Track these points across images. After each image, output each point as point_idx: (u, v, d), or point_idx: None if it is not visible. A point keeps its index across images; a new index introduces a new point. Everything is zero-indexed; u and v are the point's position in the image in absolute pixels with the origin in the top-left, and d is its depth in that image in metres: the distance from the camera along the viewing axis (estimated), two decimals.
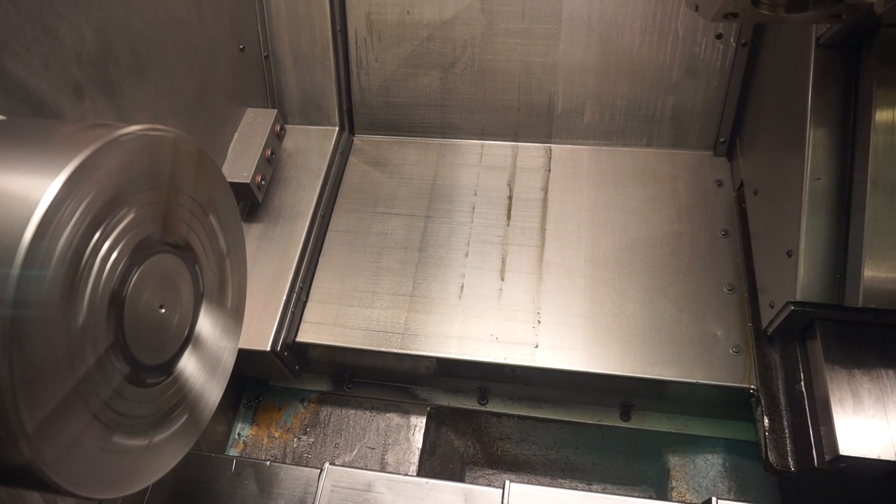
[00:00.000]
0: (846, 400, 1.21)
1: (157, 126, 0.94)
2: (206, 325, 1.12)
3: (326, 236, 1.83)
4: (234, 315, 1.20)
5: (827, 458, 1.21)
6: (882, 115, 1.18)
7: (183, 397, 1.06)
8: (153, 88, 1.40)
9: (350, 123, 2.04)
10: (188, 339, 1.07)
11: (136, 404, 0.94)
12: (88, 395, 0.84)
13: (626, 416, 1.68)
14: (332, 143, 1.95)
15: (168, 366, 1.02)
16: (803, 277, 1.26)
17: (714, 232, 1.70)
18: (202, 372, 1.12)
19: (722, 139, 1.83)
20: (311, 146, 1.95)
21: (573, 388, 1.65)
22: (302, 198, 1.83)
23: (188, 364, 1.07)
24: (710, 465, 1.66)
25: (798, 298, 1.27)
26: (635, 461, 1.76)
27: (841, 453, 1.17)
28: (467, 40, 1.83)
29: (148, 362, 0.96)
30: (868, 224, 1.17)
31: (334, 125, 1.98)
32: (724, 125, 1.81)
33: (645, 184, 1.81)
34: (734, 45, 1.71)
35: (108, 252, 0.85)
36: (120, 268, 0.87)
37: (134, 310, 0.90)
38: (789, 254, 1.31)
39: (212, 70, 1.63)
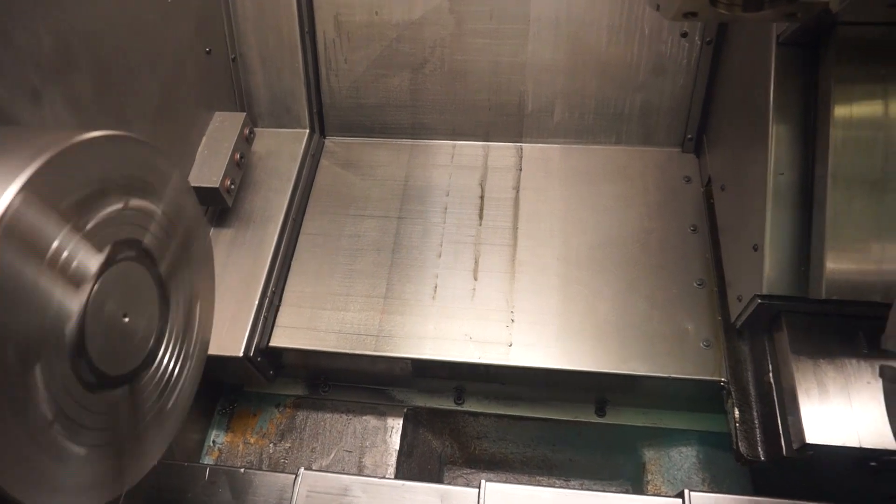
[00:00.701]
0: (812, 389, 1.24)
1: (117, 132, 0.94)
2: (171, 338, 1.10)
3: (299, 239, 1.81)
4: (200, 332, 1.19)
5: (795, 446, 1.24)
6: (840, 111, 1.21)
7: (146, 411, 1.05)
8: (116, 93, 1.38)
9: (321, 125, 2.03)
10: (154, 350, 1.05)
11: (97, 415, 0.93)
12: (46, 403, 0.82)
13: (601, 411, 1.70)
14: (303, 145, 1.93)
15: (131, 377, 1.01)
16: (769, 271, 1.29)
17: (683, 228, 1.72)
18: (167, 385, 1.10)
19: (689, 136, 1.86)
20: (282, 149, 1.93)
21: (548, 385, 1.67)
22: (273, 201, 1.81)
23: (154, 376, 1.06)
24: (684, 457, 1.68)
25: (764, 292, 1.29)
26: (611, 456, 1.78)
27: (807, 442, 1.19)
28: (436, 41, 1.83)
29: (109, 372, 0.94)
30: (829, 218, 1.20)
31: (304, 128, 1.96)
32: (692, 122, 1.84)
33: (615, 181, 1.83)
34: (699, 43, 1.73)
35: (69, 257, 0.84)
36: (83, 272, 0.86)
37: (96, 315, 0.89)
38: (755, 248, 1.33)
39: (177, 74, 1.60)
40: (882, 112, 1.19)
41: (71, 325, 0.85)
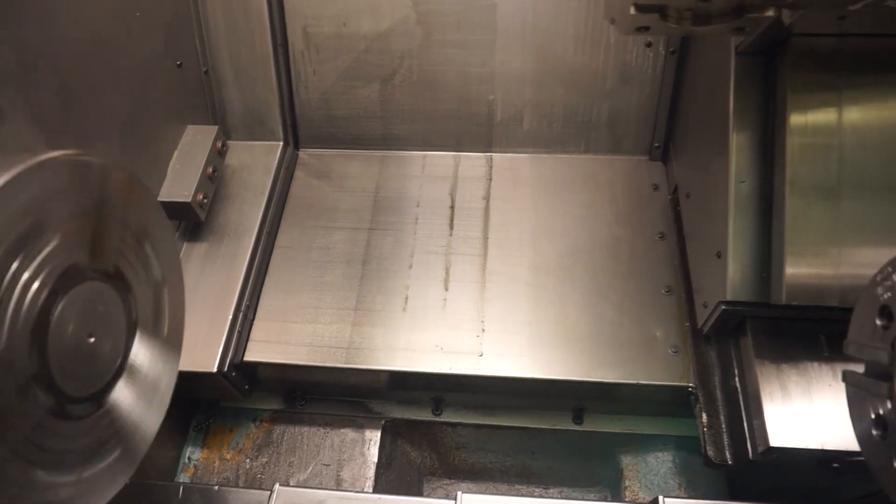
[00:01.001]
0: (775, 393, 1.26)
1: (77, 152, 0.93)
2: (141, 354, 1.10)
3: (273, 253, 1.81)
4: (170, 344, 1.18)
5: (759, 449, 1.25)
6: (796, 119, 1.23)
7: (116, 430, 1.04)
8: (81, 110, 1.37)
9: (295, 138, 2.03)
10: (121, 368, 1.05)
11: (63, 438, 0.92)
12: (7, 429, 0.81)
13: (578, 419, 1.71)
14: (277, 158, 1.93)
15: (99, 397, 1.00)
16: (732, 277, 1.30)
17: (651, 235, 1.74)
18: (137, 403, 1.09)
19: (656, 144, 1.88)
20: (256, 162, 1.93)
21: (523, 394, 1.67)
22: (247, 215, 1.81)
23: (121, 395, 1.05)
24: (660, 462, 1.70)
25: (728, 298, 1.31)
26: (590, 463, 1.79)
27: (771, 445, 1.21)
28: (405, 52, 1.84)
29: (76, 394, 0.94)
30: (788, 225, 1.22)
31: (278, 140, 1.96)
32: (658, 130, 1.86)
33: (584, 189, 1.85)
34: (663, 53, 1.76)
35: (29, 280, 0.83)
36: (43, 296, 0.85)
37: (59, 339, 0.89)
38: (719, 255, 1.35)
39: (146, 88, 1.60)
40: (836, 120, 1.22)
41: (38, 379, 0.84)
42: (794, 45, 1.23)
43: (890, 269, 0.80)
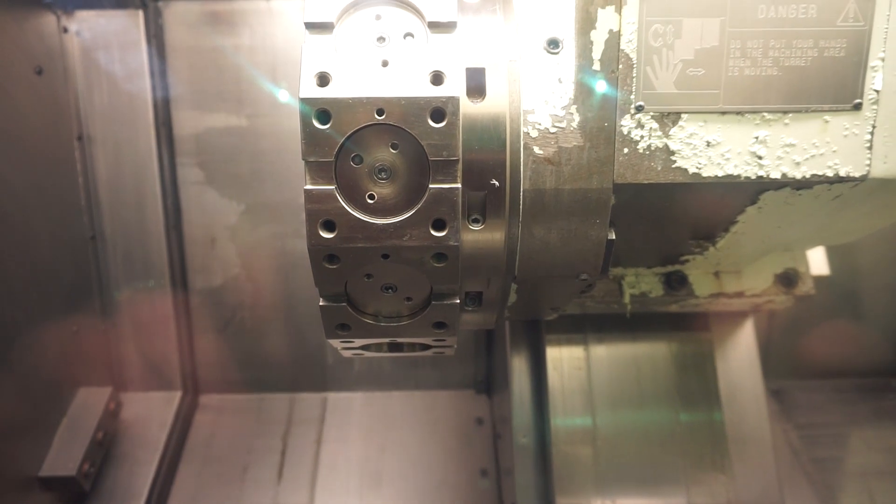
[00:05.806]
0: None
1: None
2: None
3: None
4: None
5: None
6: (552, 374, 1.37)
7: None
8: None
9: (195, 385, 2.00)
10: None
11: None
12: None
13: None
14: (174, 409, 1.89)
15: None
16: None
17: (474, 474, 1.79)
18: None
19: (479, 378, 2.00)
20: (152, 414, 1.88)
21: None
22: (137, 476, 1.73)
23: None
24: None
25: None
26: None
27: None
28: (236, 305, 1.94)
29: None
30: (556, 476, 1.30)
31: (177, 389, 1.93)
32: (479, 365, 1.99)
33: (412, 426, 1.91)
34: None
35: None
36: None
37: None
38: None
39: (38, 356, 1.58)
40: (586, 376, 1.37)
41: None
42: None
43: None
